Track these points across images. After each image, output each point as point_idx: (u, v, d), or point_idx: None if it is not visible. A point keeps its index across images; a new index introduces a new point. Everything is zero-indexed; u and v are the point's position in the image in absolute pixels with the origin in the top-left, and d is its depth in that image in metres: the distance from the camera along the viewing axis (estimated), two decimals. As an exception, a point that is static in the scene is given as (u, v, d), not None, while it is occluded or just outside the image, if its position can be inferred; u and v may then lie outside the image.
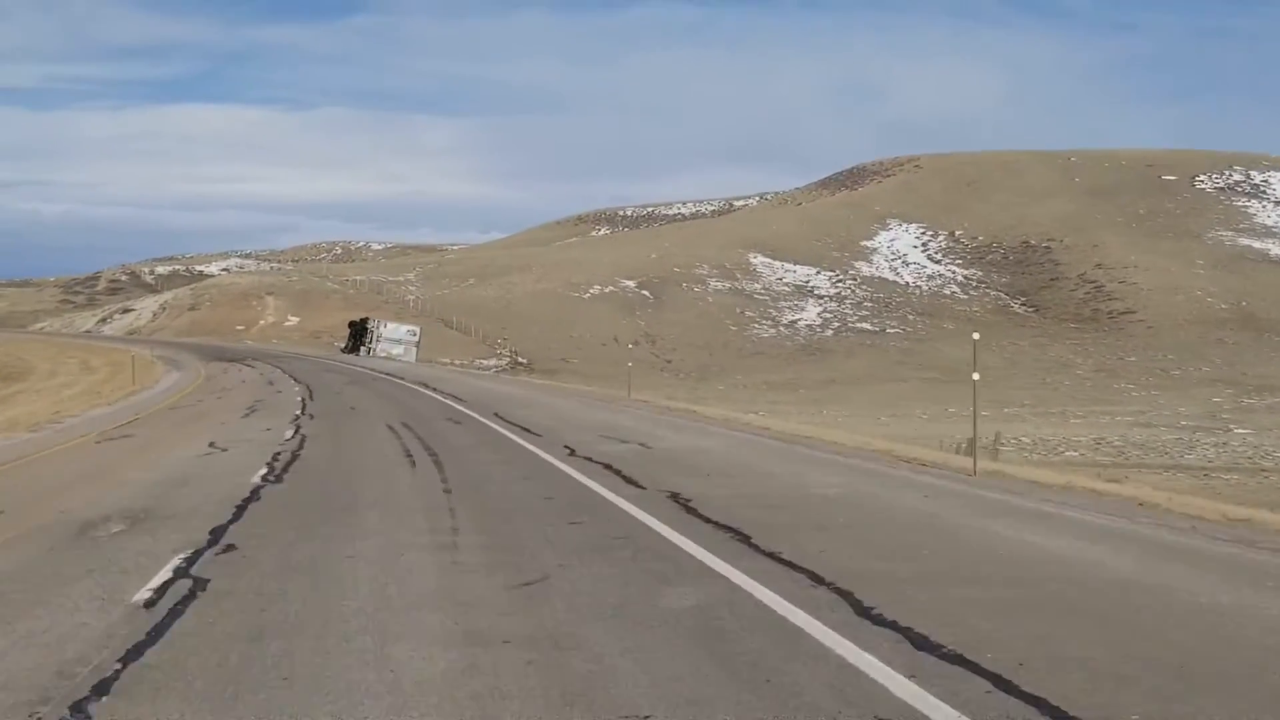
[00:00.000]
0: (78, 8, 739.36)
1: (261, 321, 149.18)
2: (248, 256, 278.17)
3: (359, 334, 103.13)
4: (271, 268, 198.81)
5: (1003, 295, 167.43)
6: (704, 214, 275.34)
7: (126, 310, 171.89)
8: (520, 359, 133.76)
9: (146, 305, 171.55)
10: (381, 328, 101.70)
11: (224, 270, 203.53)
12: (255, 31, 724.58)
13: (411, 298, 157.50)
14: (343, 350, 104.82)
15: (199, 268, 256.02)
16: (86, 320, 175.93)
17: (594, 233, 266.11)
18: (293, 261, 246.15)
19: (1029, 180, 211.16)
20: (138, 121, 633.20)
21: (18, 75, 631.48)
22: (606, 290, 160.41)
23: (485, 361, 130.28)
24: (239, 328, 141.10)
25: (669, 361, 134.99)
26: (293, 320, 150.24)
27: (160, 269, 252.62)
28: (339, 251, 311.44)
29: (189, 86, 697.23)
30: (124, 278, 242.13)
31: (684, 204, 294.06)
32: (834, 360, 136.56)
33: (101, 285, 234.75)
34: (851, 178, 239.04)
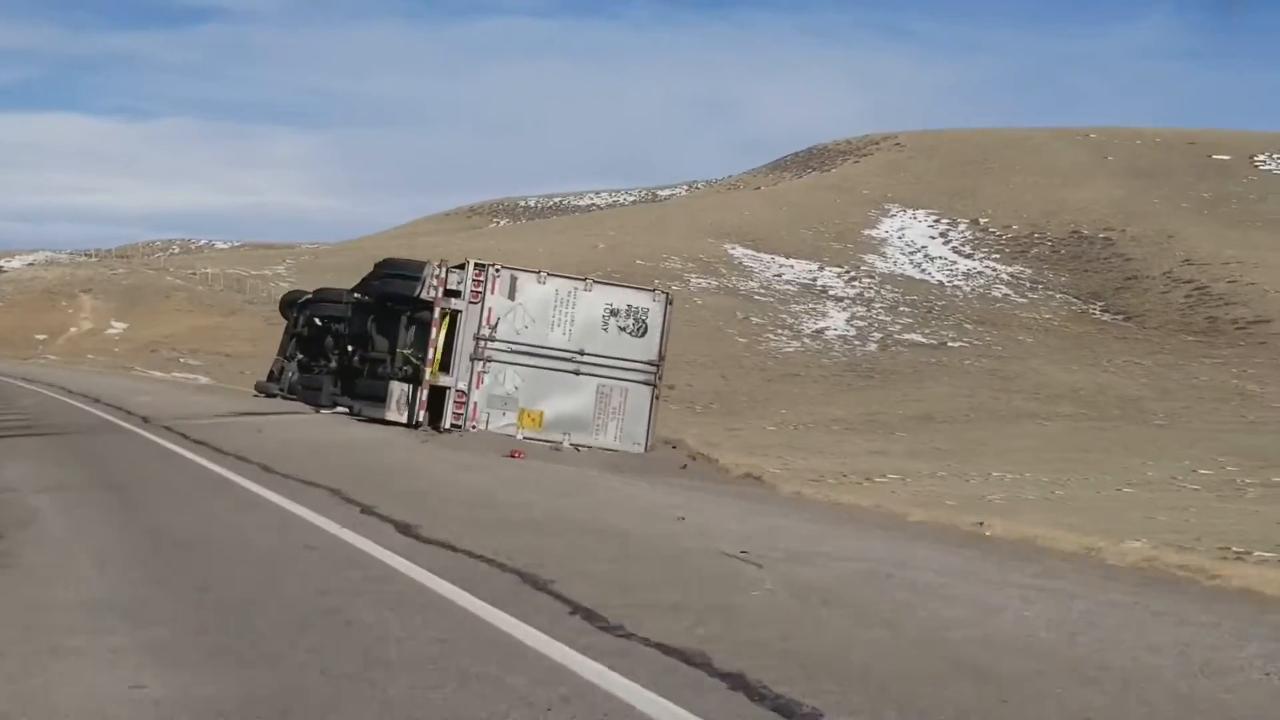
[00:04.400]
0: None
1: (73, 328, 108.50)
2: (61, 253, 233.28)
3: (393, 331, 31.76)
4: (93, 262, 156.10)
5: (1072, 299, 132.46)
6: (622, 204, 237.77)
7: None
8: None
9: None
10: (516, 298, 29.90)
11: (29, 265, 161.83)
12: (99, 39, 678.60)
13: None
14: (279, 390, 39.09)
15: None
16: None
17: (491, 225, 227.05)
18: (119, 259, 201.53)
19: (1050, 159, 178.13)
20: None
21: None
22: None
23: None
24: (39, 337, 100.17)
25: (671, 389, 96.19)
26: (117, 327, 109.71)
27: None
28: (176, 250, 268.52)
29: (27, 94, 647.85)
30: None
31: (596, 193, 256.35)
32: (902, 383, 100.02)
33: None
34: (814, 159, 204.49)
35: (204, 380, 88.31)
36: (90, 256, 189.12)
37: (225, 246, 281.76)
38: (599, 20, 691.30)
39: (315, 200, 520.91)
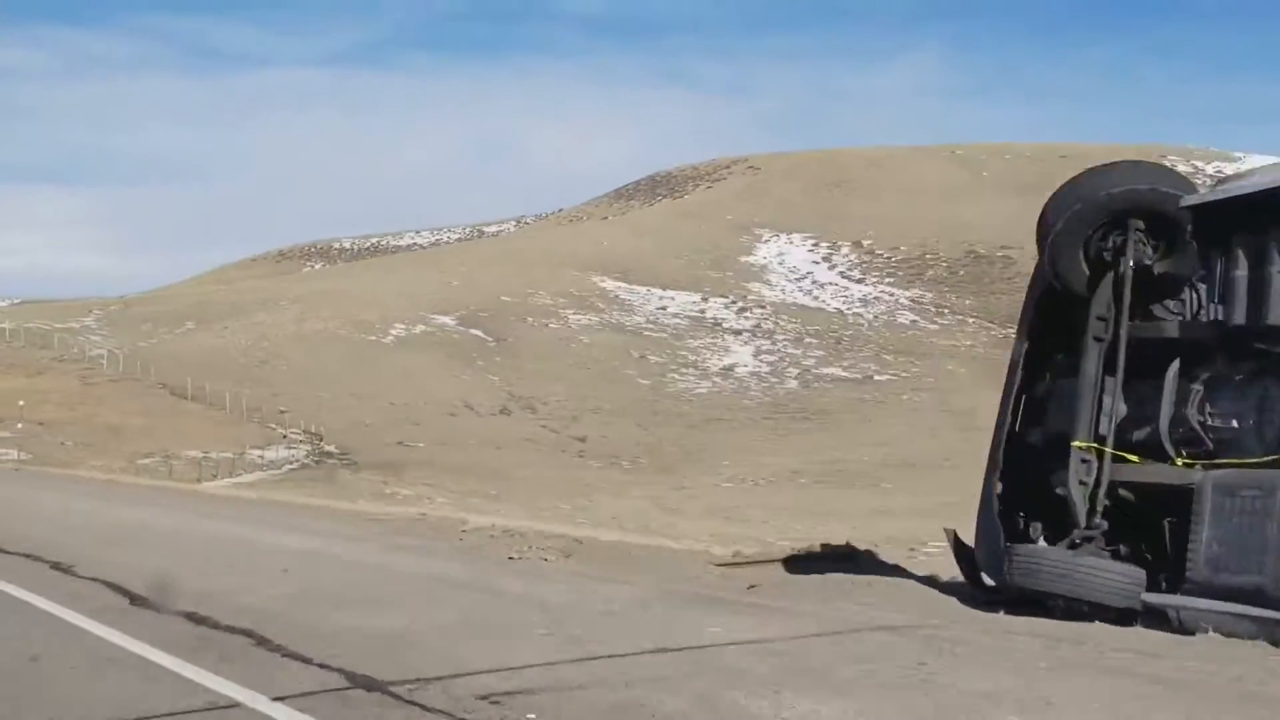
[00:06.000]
0: None
1: None
2: None
3: None
4: None
5: (986, 323, 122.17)
6: (447, 241, 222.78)
7: None
8: (327, 445, 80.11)
9: None
10: None
11: None
12: None
13: (102, 352, 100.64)
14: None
15: None
16: None
17: (305, 268, 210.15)
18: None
19: (919, 177, 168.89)
20: None
21: None
22: (416, 330, 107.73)
23: (263, 452, 76.64)
24: None
25: (581, 441, 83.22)
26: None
27: None
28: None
29: None
30: None
31: (418, 233, 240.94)
32: (845, 425, 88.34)
33: None
34: (661, 186, 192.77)
35: (15, 456, 71.86)
36: None
37: (4, 304, 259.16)
38: (377, 70, 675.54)
39: (91, 258, 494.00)
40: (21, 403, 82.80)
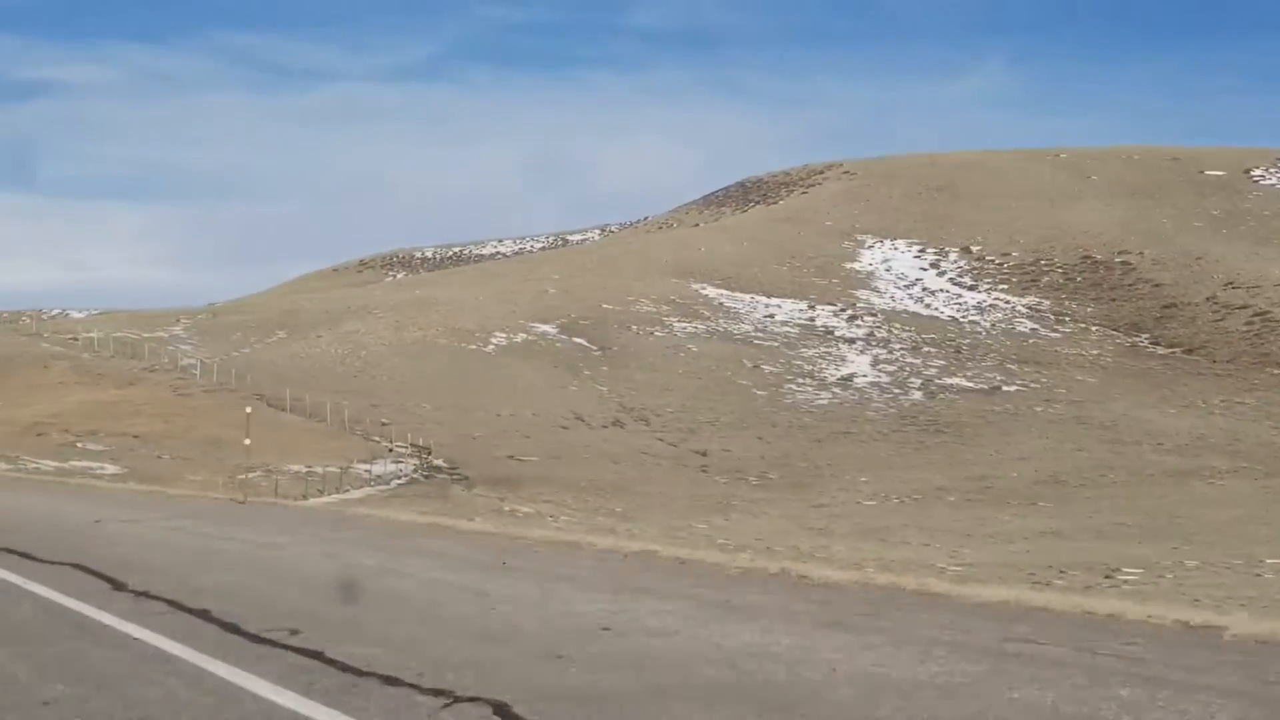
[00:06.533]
0: None
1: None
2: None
3: None
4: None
5: (1110, 331, 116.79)
6: (531, 250, 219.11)
7: None
8: (436, 459, 76.01)
9: None
10: None
11: None
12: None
13: (193, 361, 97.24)
14: None
15: None
16: None
17: (388, 278, 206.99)
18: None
19: (1025, 181, 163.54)
20: None
21: None
22: (518, 339, 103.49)
23: (370, 466, 72.62)
24: (-116, 423, 78.14)
25: (702, 454, 78.62)
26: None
27: None
28: (25, 321, 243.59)
29: None
30: None
31: (500, 241, 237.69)
32: (981, 438, 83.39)
33: None
34: (751, 192, 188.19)
35: (111, 470, 68.21)
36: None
37: (81, 315, 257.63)
38: (441, 84, 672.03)
39: (163, 273, 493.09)
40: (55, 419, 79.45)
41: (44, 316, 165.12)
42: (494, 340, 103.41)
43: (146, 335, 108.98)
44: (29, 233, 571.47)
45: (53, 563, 13.11)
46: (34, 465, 67.72)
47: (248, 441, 32.15)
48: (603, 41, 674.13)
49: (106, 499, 27.95)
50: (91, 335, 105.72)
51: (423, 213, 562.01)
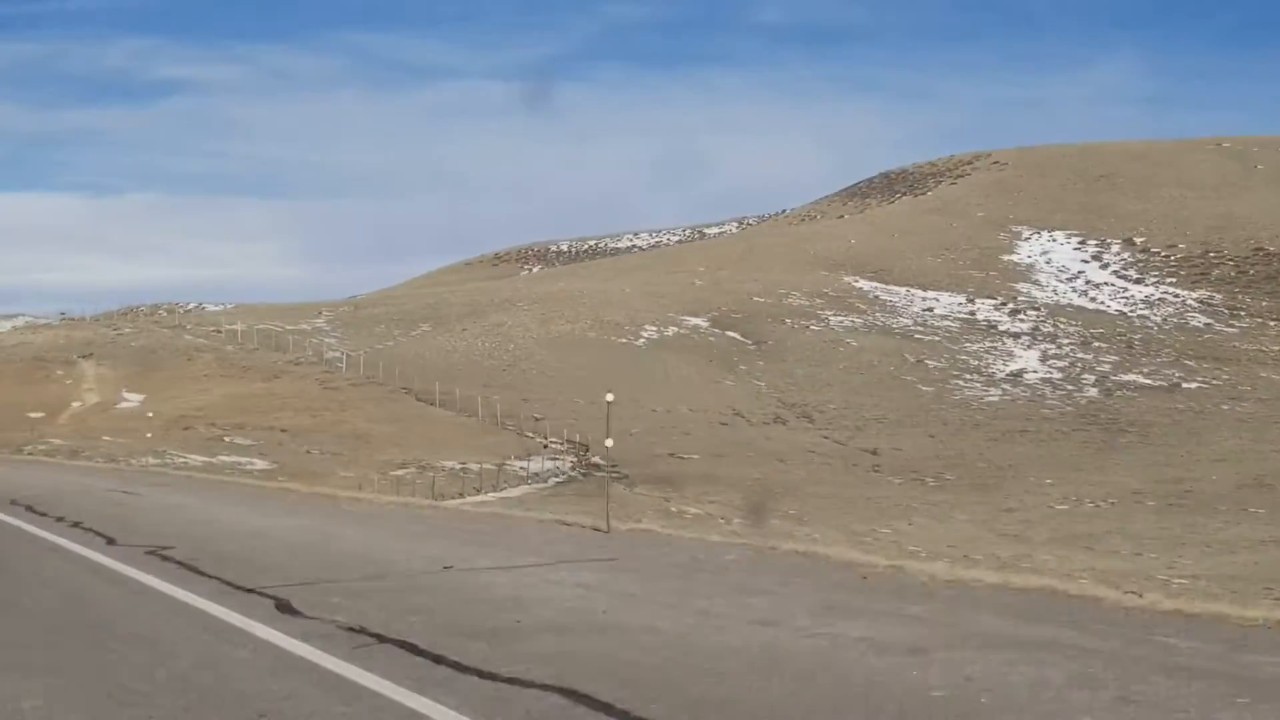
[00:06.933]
0: None
1: (76, 403, 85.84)
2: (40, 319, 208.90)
3: None
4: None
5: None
6: (667, 243, 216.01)
7: None
8: (593, 457, 72.85)
9: None
10: None
11: (12, 329, 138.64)
12: (60, 116, 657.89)
13: (338, 354, 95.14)
14: None
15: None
16: None
17: (523, 271, 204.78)
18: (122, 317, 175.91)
19: (1188, 171, 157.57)
20: None
21: None
22: (669, 332, 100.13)
23: (525, 463, 69.40)
24: (34, 415, 76.60)
25: (873, 453, 74.60)
26: (131, 399, 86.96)
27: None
28: (161, 314, 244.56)
29: None
30: None
31: (636, 235, 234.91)
32: (1174, 439, 78.31)
33: None
34: (896, 183, 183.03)
35: (260, 465, 65.85)
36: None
37: (217, 309, 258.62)
38: (564, 83, 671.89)
39: (290, 269, 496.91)
40: (36, 415, 77.19)
41: (179, 311, 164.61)
42: (644, 333, 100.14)
43: (289, 328, 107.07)
44: (161, 229, 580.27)
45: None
46: (182, 460, 65.52)
47: (610, 442, 28.73)
48: (728, 39, 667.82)
49: (375, 518, 23.85)
50: (235, 327, 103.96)
51: (547, 209, 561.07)
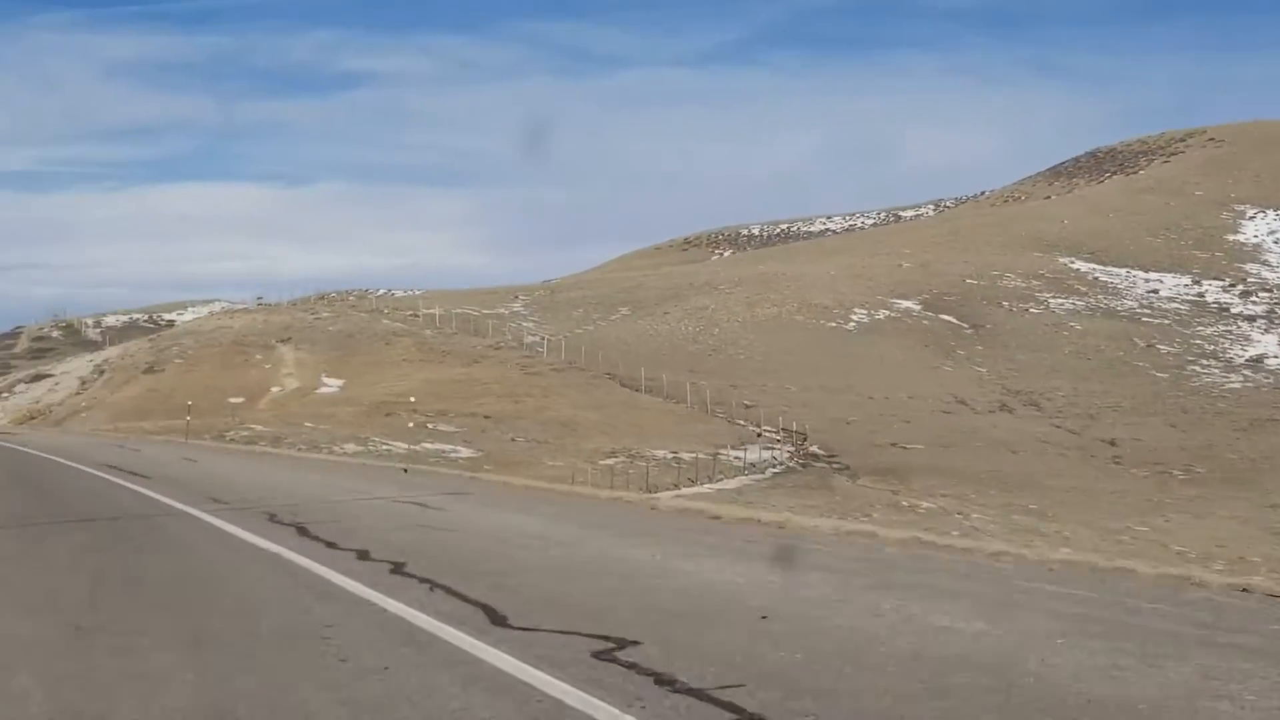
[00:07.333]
0: (75, 90, 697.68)
1: (275, 388, 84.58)
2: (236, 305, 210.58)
3: None
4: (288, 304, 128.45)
5: None
6: (862, 226, 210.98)
7: (39, 377, 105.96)
8: (810, 446, 68.92)
9: (72, 369, 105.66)
10: None
11: (210, 314, 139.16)
12: (249, 108, 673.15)
13: (538, 338, 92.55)
14: None
15: (167, 316, 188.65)
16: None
17: (714, 255, 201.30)
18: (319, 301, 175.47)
19: None
20: (134, 202, 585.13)
21: (14, 159, 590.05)
22: (879, 316, 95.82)
23: (740, 453, 65.74)
24: (234, 400, 74.84)
25: (1111, 444, 69.62)
26: (331, 384, 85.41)
27: (111, 319, 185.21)
28: (352, 300, 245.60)
29: (184, 165, 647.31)
30: (55, 333, 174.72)
31: (829, 218, 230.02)
32: None
33: (21, 346, 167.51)
34: (1105, 162, 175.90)
35: (464, 453, 63.30)
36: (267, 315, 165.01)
37: (405, 295, 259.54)
38: (745, 68, 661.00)
39: (473, 257, 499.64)
40: (413, 398, 74.76)
41: (369, 297, 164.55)
42: (854, 317, 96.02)
43: (486, 312, 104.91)
44: (347, 219, 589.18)
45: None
46: (385, 447, 63.21)
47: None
48: (909, 22, 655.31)
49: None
50: (432, 312, 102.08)
51: (730, 194, 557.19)
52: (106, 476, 27.42)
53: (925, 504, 56.35)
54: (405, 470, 34.00)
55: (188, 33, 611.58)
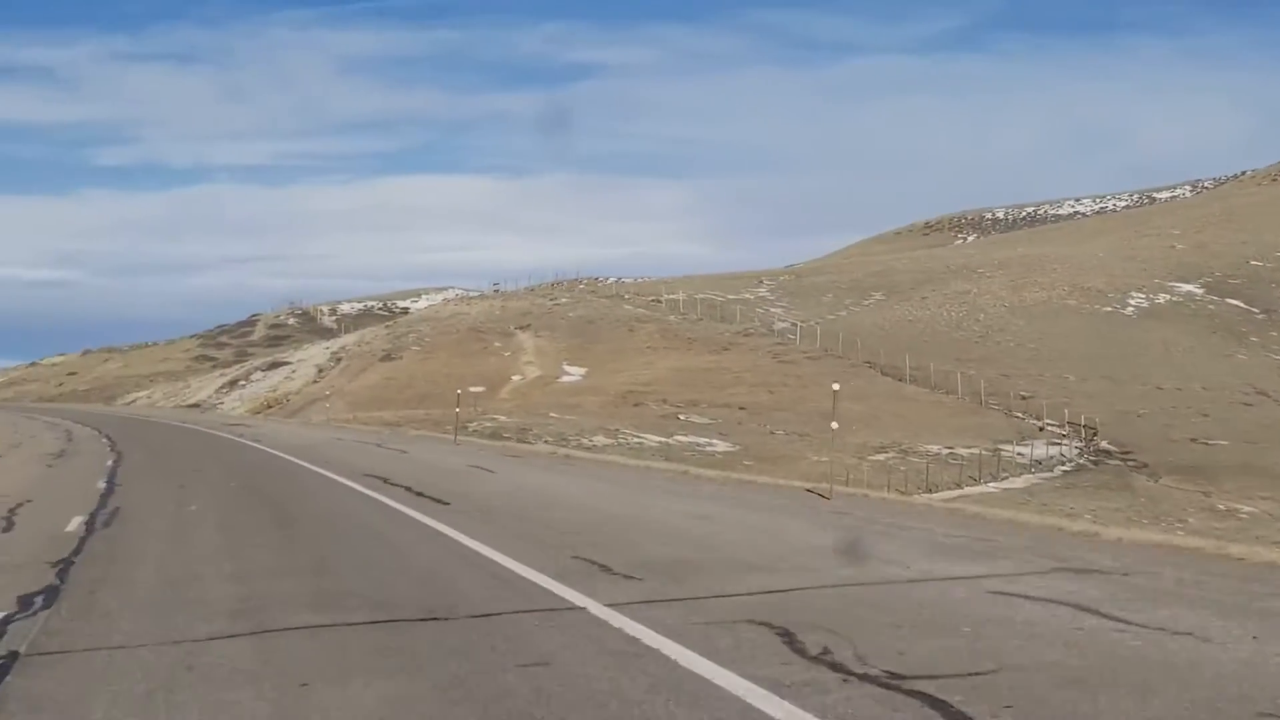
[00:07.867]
0: (313, 86, 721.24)
1: (516, 376, 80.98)
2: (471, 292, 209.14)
3: None
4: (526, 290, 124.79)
5: None
6: (1113, 209, 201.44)
7: (275, 365, 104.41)
8: (1101, 442, 62.44)
9: (309, 357, 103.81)
10: None
11: (445, 301, 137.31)
12: (477, 101, 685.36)
13: (785, 324, 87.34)
14: None
15: (401, 304, 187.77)
16: (206, 385, 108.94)
17: (958, 240, 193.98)
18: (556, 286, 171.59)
19: None
20: (365, 195, 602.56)
21: (253, 154, 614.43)
22: (1160, 300, 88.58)
23: (1022, 449, 59.79)
24: (475, 389, 71.41)
25: None
26: (573, 372, 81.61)
27: (346, 307, 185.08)
28: (582, 288, 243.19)
29: (414, 158, 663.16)
30: (291, 320, 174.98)
31: (1078, 200, 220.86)
32: None
33: (259, 334, 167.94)
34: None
35: (721, 446, 58.78)
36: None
37: (632, 281, 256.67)
38: (971, 54, 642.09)
39: (693, 247, 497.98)
40: (476, 389, 70.25)
41: (600, 284, 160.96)
42: (1131, 301, 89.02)
43: (731, 297, 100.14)
44: (572, 209, 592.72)
45: None
46: (637, 440, 58.86)
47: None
48: (1141, 4, 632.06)
49: None
50: (675, 297, 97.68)
51: (962, 180, 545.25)
52: (382, 498, 20.31)
53: (1245, 508, 50.13)
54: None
55: (417, 28, 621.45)
